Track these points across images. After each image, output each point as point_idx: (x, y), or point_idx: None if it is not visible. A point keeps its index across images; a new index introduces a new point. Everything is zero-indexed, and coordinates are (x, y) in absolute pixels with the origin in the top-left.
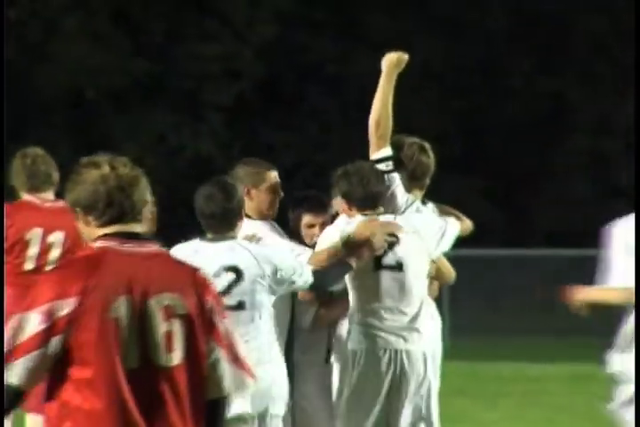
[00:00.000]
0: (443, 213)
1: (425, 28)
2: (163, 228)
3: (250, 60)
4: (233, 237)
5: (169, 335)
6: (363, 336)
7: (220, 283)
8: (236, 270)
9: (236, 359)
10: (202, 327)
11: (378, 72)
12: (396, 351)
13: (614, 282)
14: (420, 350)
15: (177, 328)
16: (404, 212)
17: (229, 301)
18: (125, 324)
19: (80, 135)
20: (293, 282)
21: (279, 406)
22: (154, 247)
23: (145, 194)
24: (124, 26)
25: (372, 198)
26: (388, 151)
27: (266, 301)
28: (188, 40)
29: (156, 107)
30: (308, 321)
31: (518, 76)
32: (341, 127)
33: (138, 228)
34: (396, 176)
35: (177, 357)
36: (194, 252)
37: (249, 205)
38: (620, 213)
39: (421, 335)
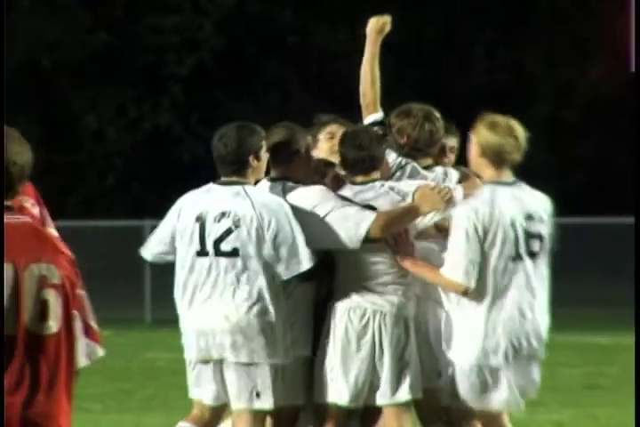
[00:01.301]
0: (464, 177)
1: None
2: (120, 198)
3: (210, 31)
4: (241, 183)
5: (44, 304)
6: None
7: (219, 228)
8: (234, 217)
9: (87, 330)
10: (71, 297)
11: (337, 42)
12: (375, 312)
13: (445, 271)
14: (402, 315)
15: (52, 298)
16: (392, 176)
17: (225, 246)
18: (9, 292)
19: (38, 108)
20: (279, 256)
21: (260, 355)
22: (23, 219)
23: (25, 170)
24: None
25: (362, 162)
26: (377, 116)
27: (261, 252)
28: (147, 12)
29: (114, 79)
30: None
31: (478, 46)
32: (301, 97)
33: (9, 202)
34: (386, 141)
35: (53, 326)
36: (205, 191)
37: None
38: (580, 184)
39: (404, 300)
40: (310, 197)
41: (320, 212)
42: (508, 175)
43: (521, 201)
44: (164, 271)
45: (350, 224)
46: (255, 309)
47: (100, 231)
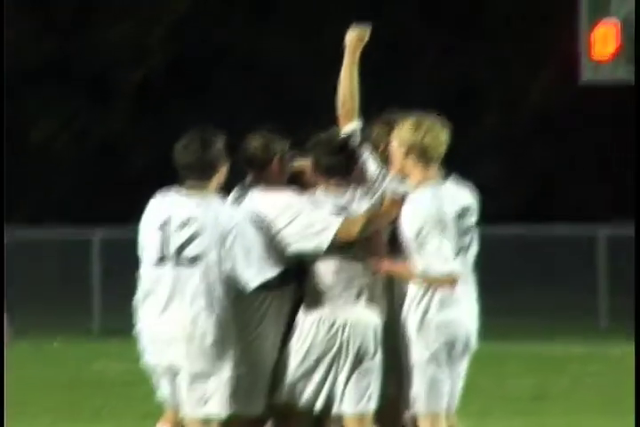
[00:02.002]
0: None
1: (334, 10)
2: (72, 204)
3: (159, 41)
4: (203, 189)
5: None
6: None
7: (181, 235)
8: (197, 224)
9: None
10: None
11: (288, 54)
12: (345, 322)
13: (428, 267)
14: (371, 325)
15: None
16: (373, 186)
17: (186, 255)
18: None
19: None
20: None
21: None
22: None
23: None
24: (31, 5)
25: (335, 167)
26: (355, 125)
27: (222, 260)
28: (96, 21)
29: (64, 88)
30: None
31: (428, 57)
32: (250, 108)
33: None
34: (364, 150)
35: None
36: (168, 198)
37: None
38: (529, 194)
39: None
40: (279, 202)
41: (287, 217)
42: (436, 173)
43: (454, 198)
44: (114, 281)
45: (315, 230)
46: (212, 319)
47: (49, 242)
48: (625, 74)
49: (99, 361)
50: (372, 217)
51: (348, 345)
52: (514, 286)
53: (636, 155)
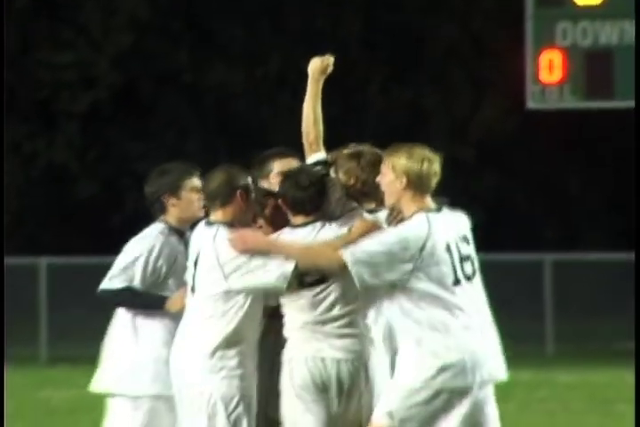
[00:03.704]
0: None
1: (279, 37)
2: (18, 232)
3: (105, 69)
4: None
5: None
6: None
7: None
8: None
9: None
10: None
11: (232, 80)
12: (335, 360)
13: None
14: (362, 362)
15: None
16: (339, 217)
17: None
18: None
19: None
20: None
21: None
22: None
23: None
24: None
25: (301, 203)
26: (320, 155)
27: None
28: (41, 48)
29: (10, 116)
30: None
31: (373, 85)
32: (197, 135)
33: None
34: (329, 180)
35: None
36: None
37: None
38: (477, 221)
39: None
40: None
41: (243, 260)
42: (431, 202)
43: (451, 225)
44: (60, 307)
45: (273, 266)
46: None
47: None
48: (571, 101)
49: (46, 389)
50: (342, 242)
51: (341, 383)
52: None
53: (635, 157)
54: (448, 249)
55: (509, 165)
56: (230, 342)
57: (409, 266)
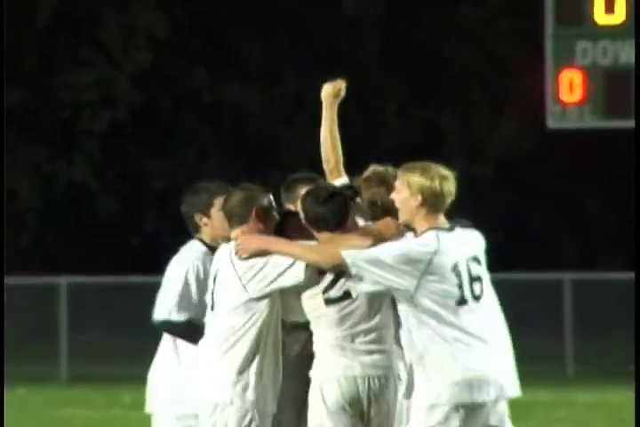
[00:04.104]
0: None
1: (297, 57)
2: (38, 251)
3: (125, 88)
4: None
5: None
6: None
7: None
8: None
9: None
10: None
11: (250, 100)
12: (356, 377)
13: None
14: (392, 376)
15: None
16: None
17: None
18: None
19: None
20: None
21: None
22: None
23: None
24: None
25: (323, 219)
26: (343, 180)
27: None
28: (62, 68)
29: (31, 136)
30: (297, 350)
31: (391, 105)
32: (216, 154)
33: None
34: (353, 204)
35: None
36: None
37: None
38: (494, 240)
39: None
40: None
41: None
42: (445, 221)
43: (463, 245)
44: (81, 327)
45: (286, 267)
46: None
47: (15, 288)
48: (591, 120)
49: (65, 408)
50: (348, 244)
51: (370, 400)
52: None
53: (635, 158)
54: (455, 269)
55: (528, 184)
56: (249, 354)
57: (411, 281)
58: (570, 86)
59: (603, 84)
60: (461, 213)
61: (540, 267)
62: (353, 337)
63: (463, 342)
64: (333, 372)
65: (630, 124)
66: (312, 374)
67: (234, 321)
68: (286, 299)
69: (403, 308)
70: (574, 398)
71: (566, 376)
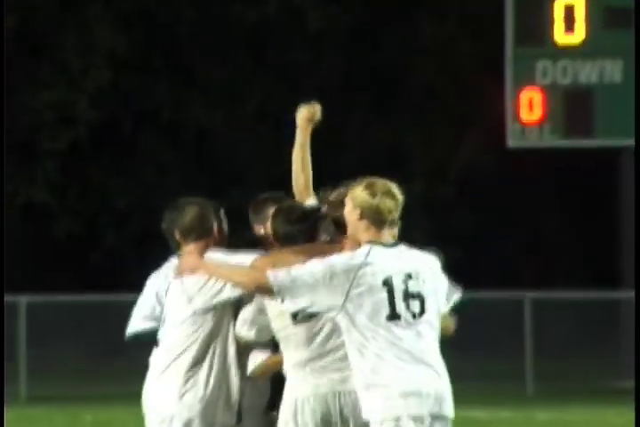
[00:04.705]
0: None
1: (259, 75)
2: None
3: (84, 107)
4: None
5: None
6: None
7: None
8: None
9: None
10: None
11: (211, 118)
12: (326, 394)
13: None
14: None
15: None
16: None
17: None
18: None
19: None
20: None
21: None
22: None
23: None
24: None
25: (293, 237)
26: (311, 202)
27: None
28: (20, 89)
29: None
30: (251, 368)
31: (353, 125)
32: (176, 172)
33: None
34: (321, 219)
35: None
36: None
37: None
38: (457, 259)
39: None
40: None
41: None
42: (387, 237)
43: (400, 261)
44: (40, 346)
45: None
46: None
47: None
48: (550, 139)
49: None
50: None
51: (343, 415)
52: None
53: (636, 159)
54: (387, 283)
55: (488, 203)
56: (193, 366)
57: (337, 295)
58: (529, 105)
59: (562, 103)
60: (422, 231)
61: (500, 286)
62: (322, 355)
63: (396, 358)
64: (304, 390)
65: (590, 142)
66: (284, 393)
67: (180, 334)
68: (234, 317)
69: (338, 322)
70: (534, 417)
71: (526, 395)
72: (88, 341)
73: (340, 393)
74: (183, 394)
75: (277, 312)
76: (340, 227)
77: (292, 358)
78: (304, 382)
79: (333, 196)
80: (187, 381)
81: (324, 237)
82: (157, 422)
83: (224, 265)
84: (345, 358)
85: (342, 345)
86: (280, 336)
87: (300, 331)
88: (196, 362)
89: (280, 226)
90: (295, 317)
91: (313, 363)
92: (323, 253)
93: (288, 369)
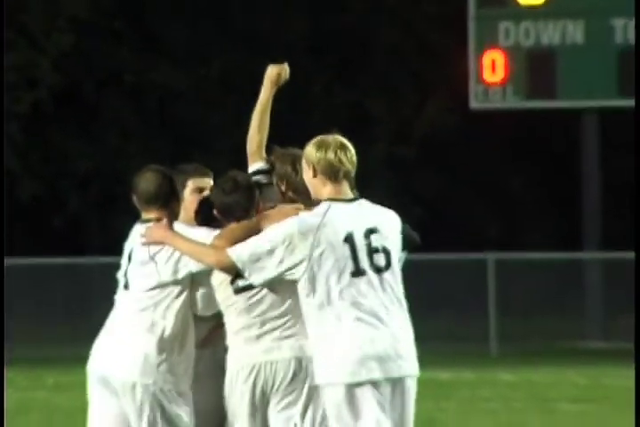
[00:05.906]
0: None
1: (224, 40)
2: None
3: (47, 69)
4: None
5: None
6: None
7: None
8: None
9: None
10: None
11: (175, 82)
12: (268, 362)
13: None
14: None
15: None
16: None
17: None
18: None
19: None
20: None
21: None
22: None
23: None
24: None
25: (229, 208)
26: (258, 165)
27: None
28: None
29: None
30: (197, 339)
31: (317, 87)
32: (140, 136)
33: None
34: (271, 190)
35: None
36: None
37: None
38: (419, 220)
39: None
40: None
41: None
42: (346, 192)
43: (361, 217)
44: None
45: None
46: None
47: None
48: (513, 101)
49: None
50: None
51: (273, 384)
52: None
53: (635, 157)
54: (348, 239)
55: (452, 165)
56: (165, 336)
57: (297, 257)
58: (492, 67)
59: (525, 64)
60: (386, 191)
61: (464, 247)
62: (262, 324)
63: (351, 316)
64: (245, 359)
65: (552, 104)
66: (228, 365)
67: (147, 302)
68: (194, 291)
69: (300, 285)
70: (498, 378)
71: (490, 355)
72: (50, 303)
73: (278, 362)
74: (158, 363)
75: (218, 282)
76: (282, 184)
77: (233, 326)
78: (245, 351)
79: (281, 151)
80: (160, 348)
81: (268, 205)
82: (123, 386)
83: (191, 241)
84: (287, 326)
85: (285, 314)
86: (223, 306)
87: (241, 300)
88: (170, 333)
89: (216, 197)
90: (237, 288)
91: (253, 331)
92: (287, 215)
93: (230, 338)
